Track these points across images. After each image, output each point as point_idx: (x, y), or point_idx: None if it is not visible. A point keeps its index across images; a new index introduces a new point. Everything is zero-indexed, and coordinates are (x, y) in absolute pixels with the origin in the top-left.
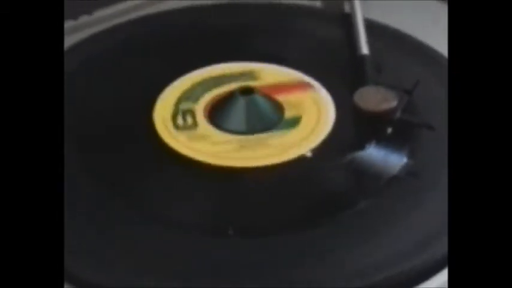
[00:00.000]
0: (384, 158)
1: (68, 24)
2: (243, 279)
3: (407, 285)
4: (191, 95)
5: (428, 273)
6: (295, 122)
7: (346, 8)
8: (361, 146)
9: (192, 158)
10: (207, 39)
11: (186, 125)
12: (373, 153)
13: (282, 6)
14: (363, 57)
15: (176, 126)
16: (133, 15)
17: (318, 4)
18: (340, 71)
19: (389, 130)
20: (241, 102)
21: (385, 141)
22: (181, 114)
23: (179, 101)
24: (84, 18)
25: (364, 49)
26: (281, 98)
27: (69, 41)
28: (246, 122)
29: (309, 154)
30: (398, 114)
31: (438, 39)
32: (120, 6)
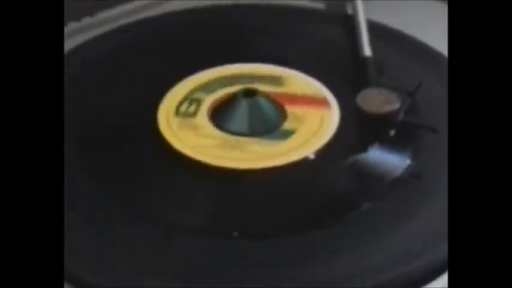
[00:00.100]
0: (387, 160)
1: (71, 25)
2: (243, 280)
3: (410, 287)
4: (207, 87)
5: (432, 274)
6: (285, 135)
7: (349, 9)
8: (364, 148)
9: (194, 159)
10: (210, 41)
11: (187, 112)
12: (376, 155)
13: (285, 7)
14: (365, 59)
15: (176, 112)
16: (136, 17)
17: (321, 5)
18: (342, 72)
19: (392, 132)
20: (243, 104)
21: (387, 143)
22: (189, 101)
23: (193, 90)
24: (87, 20)
25: (367, 51)
26: (293, 109)
27: (72, 42)
28: (248, 123)
29: (311, 156)
30: (401, 116)
31: (440, 40)
32: (122, 8)
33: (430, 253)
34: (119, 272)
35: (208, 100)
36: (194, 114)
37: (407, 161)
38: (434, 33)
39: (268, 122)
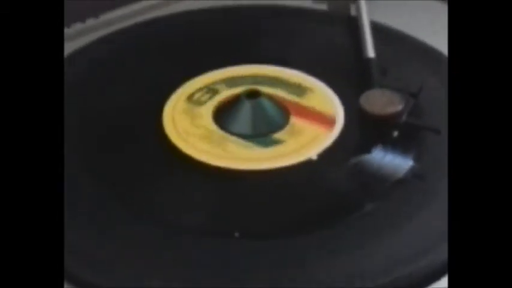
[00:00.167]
0: (390, 161)
1: (75, 27)
2: (243, 280)
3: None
4: (230, 82)
5: (434, 275)
6: (271, 143)
7: (352, 10)
8: (367, 149)
9: (195, 159)
10: (212, 42)
11: (199, 99)
12: (379, 156)
13: (289, 9)
14: (369, 60)
15: (187, 99)
16: (139, 18)
17: (324, 6)
18: (346, 73)
19: (395, 133)
20: (246, 105)
21: (391, 144)
22: (207, 90)
23: (215, 82)
24: (91, 21)
25: (370, 52)
26: (295, 120)
27: (76, 43)
28: (251, 124)
29: (315, 157)
30: (404, 118)
31: (441, 40)
32: (126, 10)
33: (432, 254)
34: (119, 272)
35: (228, 92)
36: (203, 103)
37: (410, 162)
38: (435, 33)
39: (271, 123)
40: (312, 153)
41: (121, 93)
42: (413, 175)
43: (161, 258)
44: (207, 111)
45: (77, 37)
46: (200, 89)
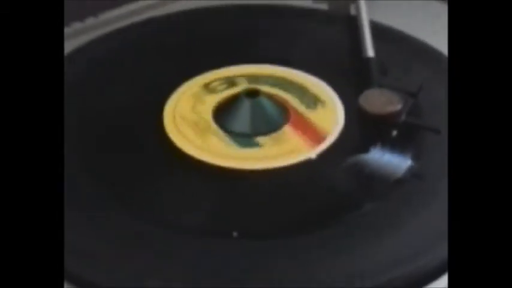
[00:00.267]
0: (389, 160)
1: (74, 26)
2: (243, 280)
3: (411, 287)
4: (251, 78)
5: (434, 274)
6: (250, 145)
7: (352, 10)
8: (366, 149)
9: (195, 159)
10: (212, 42)
11: (215, 88)
12: (378, 156)
13: (288, 8)
14: (368, 60)
15: (204, 86)
16: (139, 18)
17: (324, 6)
18: (346, 73)
19: (394, 133)
20: (245, 104)
21: (390, 144)
22: (225, 80)
23: (234, 76)
24: (90, 21)
25: (370, 52)
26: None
27: (75, 42)
28: (250, 123)
29: (314, 157)
30: (403, 117)
31: (440, 40)
32: (125, 9)
33: (432, 253)
34: (119, 272)
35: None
36: (218, 92)
37: (409, 162)
38: (435, 33)
39: (270, 122)
40: (285, 162)
41: (120, 93)
42: (412, 175)
43: (161, 258)
44: (213, 100)
45: (76, 36)
46: (219, 79)
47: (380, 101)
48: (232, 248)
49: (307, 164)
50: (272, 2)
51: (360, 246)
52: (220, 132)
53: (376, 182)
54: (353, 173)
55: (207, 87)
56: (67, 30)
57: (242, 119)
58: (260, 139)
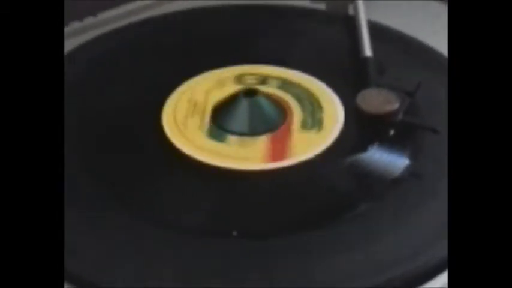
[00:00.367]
0: (386, 159)
1: (73, 25)
2: (243, 280)
3: (409, 286)
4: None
5: (431, 274)
6: (222, 140)
7: (350, 10)
8: (364, 148)
9: (195, 159)
10: (210, 42)
11: (245, 81)
12: (376, 155)
13: (286, 8)
14: (365, 59)
15: (238, 80)
16: (138, 17)
17: (321, 6)
18: (343, 72)
19: (392, 132)
20: (243, 104)
21: (387, 143)
22: (259, 76)
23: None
24: (89, 20)
25: (367, 51)
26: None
27: (74, 42)
28: (249, 123)
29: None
30: (400, 116)
31: (439, 40)
32: (124, 8)
33: (429, 252)
34: (119, 272)
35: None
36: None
37: (407, 161)
38: (434, 33)
39: (268, 121)
40: (231, 165)
41: (119, 93)
42: (410, 174)
43: (161, 258)
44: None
45: (75, 36)
46: (253, 74)
47: (377, 100)
48: (232, 248)
49: (304, 164)
50: (270, 2)
51: (358, 246)
52: (206, 121)
53: (373, 182)
54: (351, 173)
55: (240, 80)
56: (66, 29)
57: (240, 118)
58: (234, 138)
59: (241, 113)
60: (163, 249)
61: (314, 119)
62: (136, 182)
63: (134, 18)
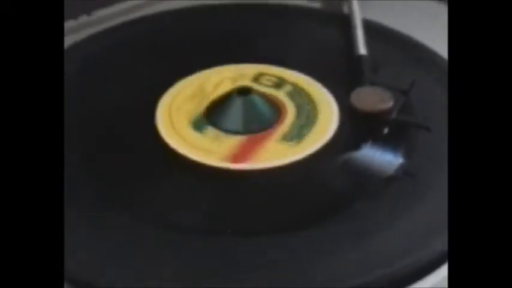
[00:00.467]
0: (380, 158)
1: (67, 24)
2: (243, 280)
3: (404, 283)
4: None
5: (424, 272)
6: (204, 133)
7: (345, 8)
8: (357, 146)
9: (193, 159)
10: (206, 41)
11: (261, 82)
12: (369, 153)
13: (280, 6)
14: (360, 58)
15: (255, 79)
16: (133, 15)
17: (317, 5)
18: (338, 71)
19: (386, 130)
20: (237, 102)
21: (381, 142)
22: (276, 78)
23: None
24: (84, 18)
25: (362, 49)
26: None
27: (68, 40)
28: (243, 121)
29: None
30: (394, 115)
31: (437, 40)
32: (120, 7)
33: (425, 250)
34: (119, 272)
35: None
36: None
37: (401, 159)
38: (432, 33)
39: (262, 120)
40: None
41: (115, 91)
42: (404, 172)
43: (160, 258)
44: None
45: (70, 34)
46: (270, 75)
47: (371, 98)
48: (232, 247)
49: (298, 163)
50: (264, 1)
51: (351, 244)
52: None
53: (367, 180)
54: (345, 171)
55: (257, 80)
56: None
57: (234, 117)
58: (212, 132)
59: (235, 112)
60: (163, 249)
61: (301, 127)
62: (136, 182)
63: (130, 17)
